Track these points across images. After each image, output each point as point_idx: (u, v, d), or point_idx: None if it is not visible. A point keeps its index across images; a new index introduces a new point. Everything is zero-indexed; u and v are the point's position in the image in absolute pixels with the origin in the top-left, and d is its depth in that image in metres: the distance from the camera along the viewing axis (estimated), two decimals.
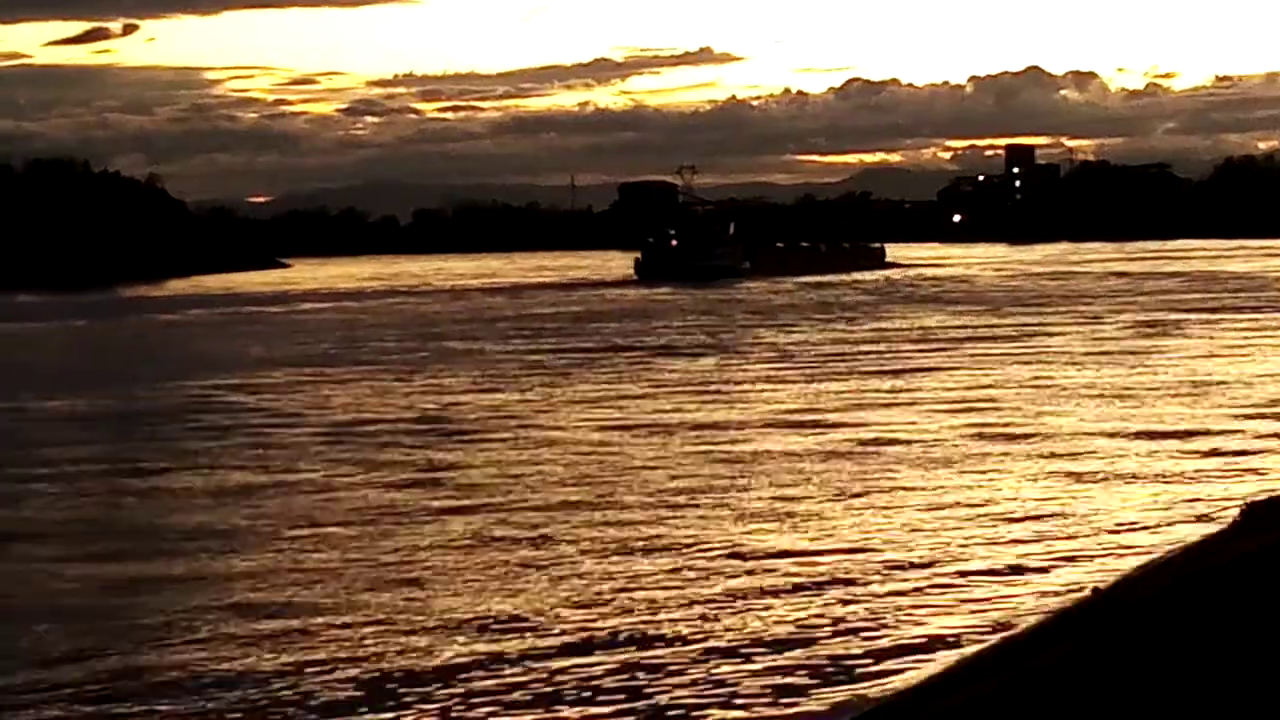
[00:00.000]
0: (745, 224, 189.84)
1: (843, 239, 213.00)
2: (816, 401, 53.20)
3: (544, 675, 22.30)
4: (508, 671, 22.45)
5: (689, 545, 30.30)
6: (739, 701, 21.07)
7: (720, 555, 29.44)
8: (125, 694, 21.96)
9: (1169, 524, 31.34)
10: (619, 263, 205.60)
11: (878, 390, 56.49)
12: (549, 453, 42.68)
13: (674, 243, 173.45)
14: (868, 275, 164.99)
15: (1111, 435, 43.42)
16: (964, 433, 44.60)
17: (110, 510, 36.25)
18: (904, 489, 35.88)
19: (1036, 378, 59.26)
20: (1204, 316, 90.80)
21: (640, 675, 22.17)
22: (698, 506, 34.28)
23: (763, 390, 57.58)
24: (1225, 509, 31.50)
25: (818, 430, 45.87)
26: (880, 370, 63.82)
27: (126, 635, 24.80)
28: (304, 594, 27.03)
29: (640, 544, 30.48)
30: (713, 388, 58.83)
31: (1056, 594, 25.69)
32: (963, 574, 27.57)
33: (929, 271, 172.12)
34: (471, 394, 58.76)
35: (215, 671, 22.75)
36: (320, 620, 25.26)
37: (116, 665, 23.26)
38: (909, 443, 42.83)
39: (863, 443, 43.07)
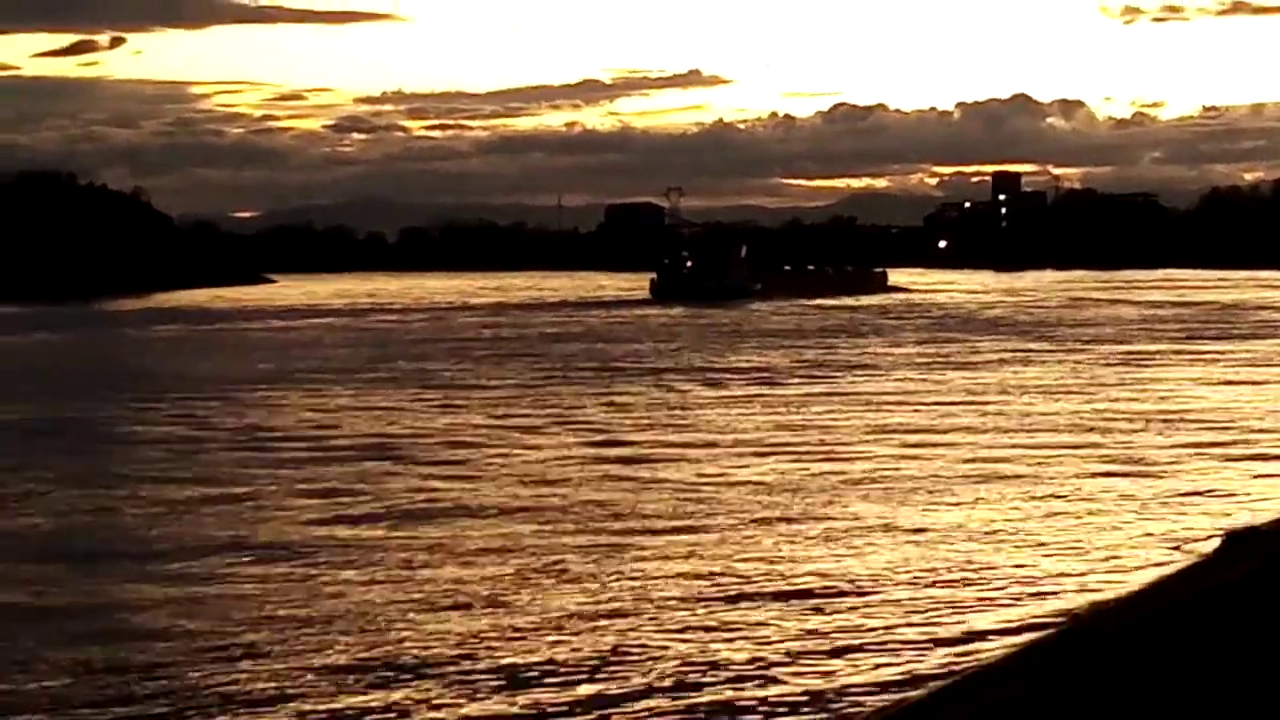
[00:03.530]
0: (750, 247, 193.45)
1: (846, 263, 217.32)
2: (795, 426, 53.01)
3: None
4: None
5: (620, 577, 30.01)
6: None
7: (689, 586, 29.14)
8: None
9: (1150, 552, 31.12)
10: (608, 283, 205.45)
11: (859, 417, 56.30)
12: (498, 478, 41.86)
13: (688, 264, 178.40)
14: (873, 299, 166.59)
15: (1095, 465, 43.24)
16: (951, 463, 44.42)
17: (16, 529, 35.31)
18: (877, 519, 35.62)
19: (1026, 406, 59.13)
20: (1185, 346, 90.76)
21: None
22: (646, 538, 33.97)
23: (746, 414, 57.41)
24: (1207, 538, 31.30)
25: (792, 457, 45.67)
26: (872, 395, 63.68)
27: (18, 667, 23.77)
28: (229, 625, 26.08)
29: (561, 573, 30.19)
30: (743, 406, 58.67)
31: (1034, 622, 25.46)
32: (945, 599, 27.31)
33: (932, 297, 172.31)
34: (431, 415, 58.21)
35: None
36: (240, 652, 24.41)
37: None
38: (886, 474, 42.63)
39: (834, 473, 42.80)
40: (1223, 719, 11.86)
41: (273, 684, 22.68)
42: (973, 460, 43.78)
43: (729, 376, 73.57)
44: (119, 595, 28.42)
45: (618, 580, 28.86)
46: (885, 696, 21.26)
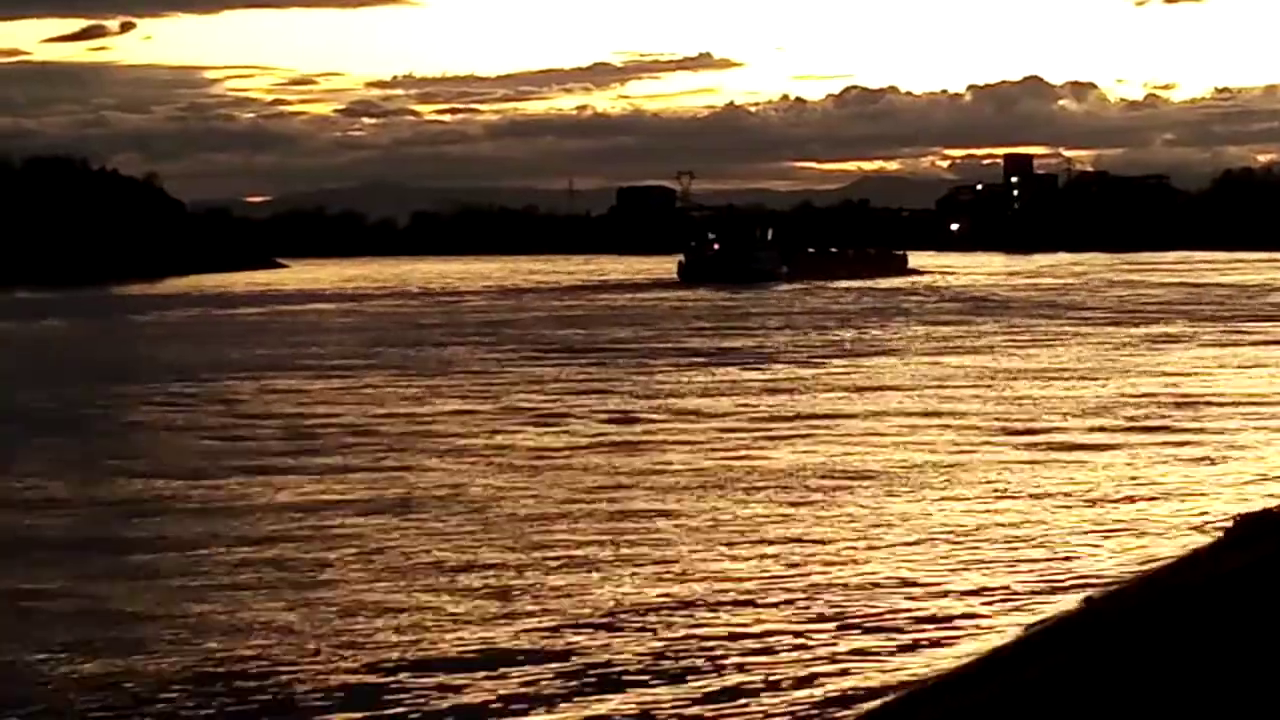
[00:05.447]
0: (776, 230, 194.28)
1: (861, 246, 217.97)
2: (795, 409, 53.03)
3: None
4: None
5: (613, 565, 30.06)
6: None
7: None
8: None
9: (1162, 535, 31.11)
10: (624, 266, 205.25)
11: (860, 397, 56.28)
12: (482, 466, 41.34)
13: (715, 247, 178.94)
14: (896, 281, 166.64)
15: (1105, 446, 43.23)
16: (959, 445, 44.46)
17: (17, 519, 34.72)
18: (889, 501, 35.64)
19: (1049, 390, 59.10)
20: (1198, 328, 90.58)
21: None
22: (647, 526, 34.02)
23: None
24: (1217, 522, 31.30)
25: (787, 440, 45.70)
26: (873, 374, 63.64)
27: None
28: (215, 611, 25.88)
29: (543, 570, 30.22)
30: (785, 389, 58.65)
31: (1047, 603, 25.47)
32: (966, 574, 27.35)
33: (954, 280, 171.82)
34: (445, 400, 58.12)
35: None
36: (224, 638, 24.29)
37: None
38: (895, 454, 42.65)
39: (831, 457, 42.83)
40: (1228, 701, 11.88)
41: (267, 680, 22.68)
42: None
43: (764, 361, 73.06)
44: (102, 588, 28.07)
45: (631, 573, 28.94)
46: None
